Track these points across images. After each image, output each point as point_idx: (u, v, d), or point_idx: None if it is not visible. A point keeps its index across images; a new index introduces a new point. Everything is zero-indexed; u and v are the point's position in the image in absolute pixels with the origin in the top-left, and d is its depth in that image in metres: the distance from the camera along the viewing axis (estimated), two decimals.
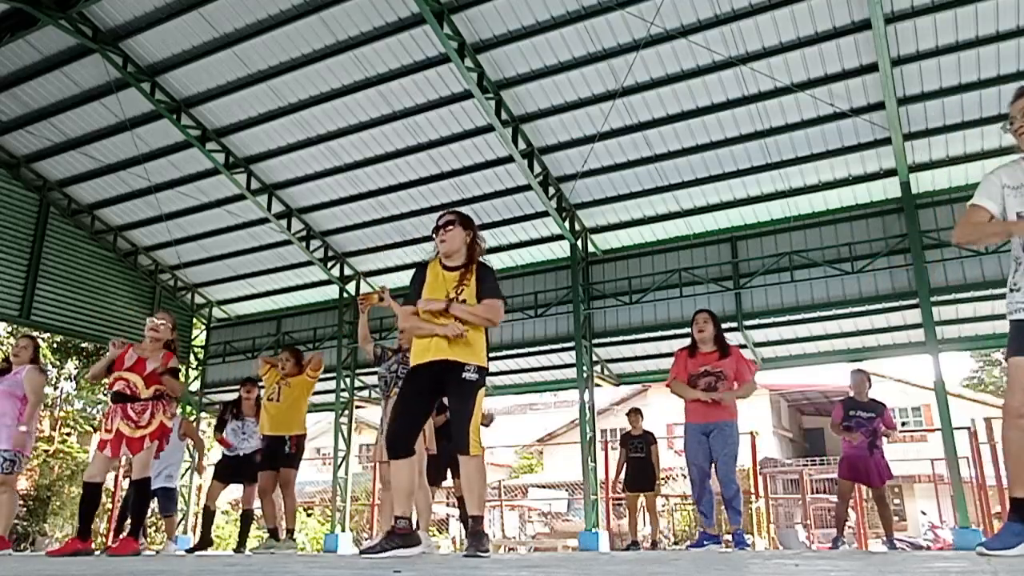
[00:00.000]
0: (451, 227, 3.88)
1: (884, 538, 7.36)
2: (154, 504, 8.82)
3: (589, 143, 10.97)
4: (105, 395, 16.31)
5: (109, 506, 13.47)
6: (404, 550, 3.49)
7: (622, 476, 9.58)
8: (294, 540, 7.02)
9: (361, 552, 3.71)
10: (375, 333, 6.10)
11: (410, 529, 3.65)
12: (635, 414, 9.35)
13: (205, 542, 7.64)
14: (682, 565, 2.79)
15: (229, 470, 7.70)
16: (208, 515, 7.87)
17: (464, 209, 12.76)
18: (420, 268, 3.97)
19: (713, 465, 5.80)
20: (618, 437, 10.01)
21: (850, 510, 14.91)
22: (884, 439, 7.24)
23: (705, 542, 5.76)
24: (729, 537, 5.96)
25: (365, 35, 10.50)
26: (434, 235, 3.93)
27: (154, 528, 12.10)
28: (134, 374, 5.31)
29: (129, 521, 5.57)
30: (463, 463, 3.70)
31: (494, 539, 16.13)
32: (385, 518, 6.12)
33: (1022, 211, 3.00)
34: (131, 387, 5.26)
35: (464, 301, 3.76)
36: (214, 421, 8.51)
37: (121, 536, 6.07)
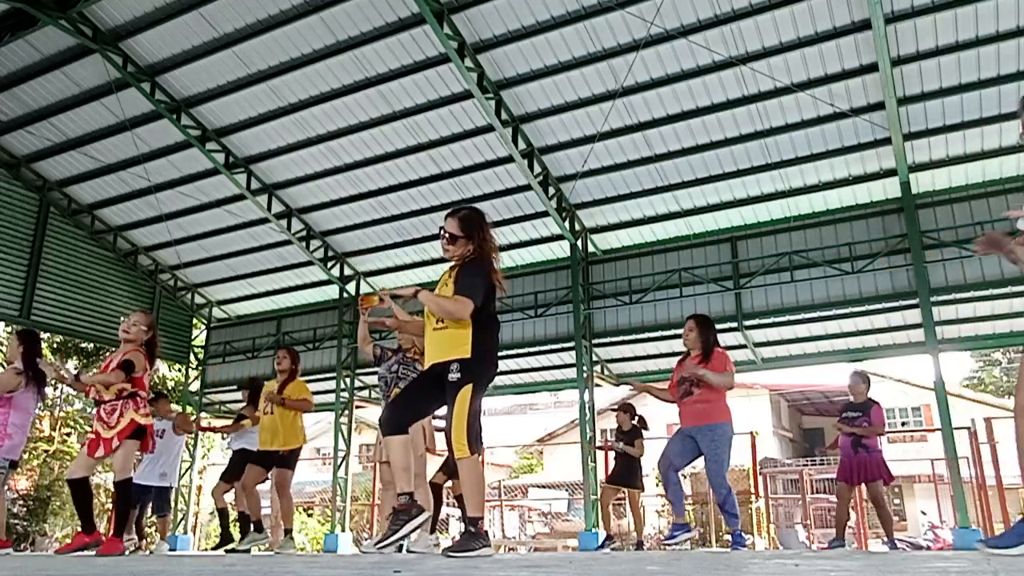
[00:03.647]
0: (448, 245, 3.92)
1: (884, 538, 7.36)
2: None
3: (589, 143, 10.97)
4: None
5: (109, 506, 13.49)
6: (412, 522, 3.58)
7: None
8: (292, 539, 7.02)
9: (376, 545, 3.72)
10: (374, 333, 6.10)
11: (412, 503, 3.71)
12: (622, 411, 9.23)
13: (226, 539, 7.69)
14: (682, 565, 2.79)
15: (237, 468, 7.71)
16: (222, 514, 7.92)
17: None
18: None
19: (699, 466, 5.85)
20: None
21: (850, 511, 14.99)
22: (880, 439, 7.22)
23: (676, 533, 5.72)
24: (729, 537, 5.94)
25: (365, 35, 10.50)
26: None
27: (154, 528, 12.06)
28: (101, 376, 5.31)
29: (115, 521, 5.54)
30: (458, 465, 3.71)
31: (494, 539, 16.13)
32: (385, 518, 6.13)
33: None
34: (98, 390, 5.27)
35: None
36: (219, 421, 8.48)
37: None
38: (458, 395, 3.64)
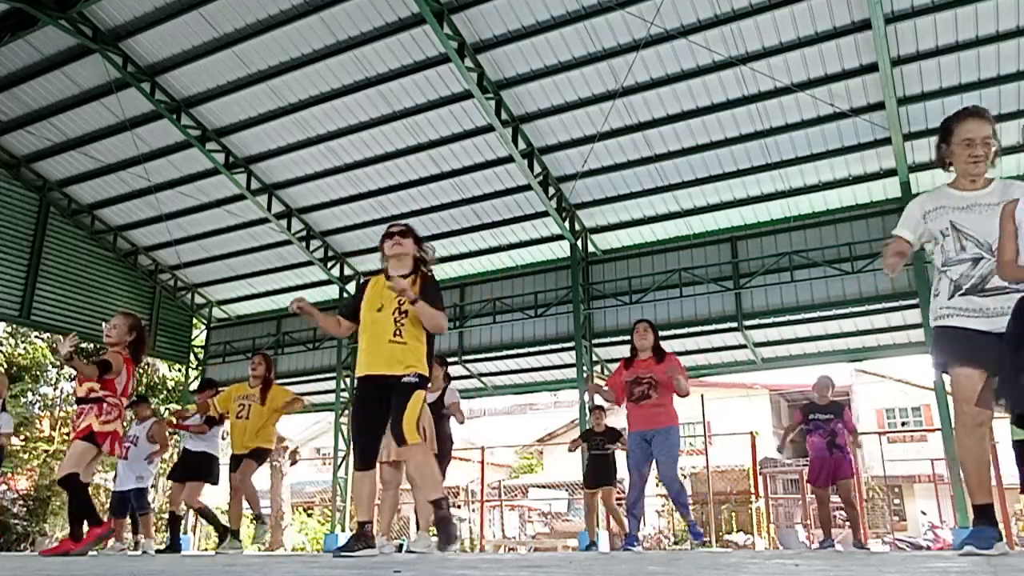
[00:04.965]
0: (405, 236, 4.00)
1: (853, 539, 7.35)
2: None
3: (589, 143, 10.98)
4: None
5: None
6: (363, 551, 3.63)
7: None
8: (239, 541, 6.81)
9: (335, 555, 3.73)
10: None
11: (369, 532, 3.80)
12: (599, 411, 9.23)
13: (173, 547, 7.39)
14: (682, 565, 2.80)
15: (180, 468, 7.54)
16: (174, 520, 7.65)
17: (464, 209, 12.91)
18: (363, 284, 4.08)
19: (656, 468, 5.90)
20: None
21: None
22: (850, 442, 7.23)
23: (632, 544, 5.87)
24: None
25: (365, 35, 10.51)
26: (385, 241, 4.00)
27: (151, 527, 12.01)
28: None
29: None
30: (409, 452, 3.78)
31: (494, 539, 16.14)
32: (384, 518, 6.14)
33: (943, 228, 3.22)
34: (75, 391, 5.27)
35: (405, 312, 3.85)
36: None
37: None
38: (413, 395, 3.76)
